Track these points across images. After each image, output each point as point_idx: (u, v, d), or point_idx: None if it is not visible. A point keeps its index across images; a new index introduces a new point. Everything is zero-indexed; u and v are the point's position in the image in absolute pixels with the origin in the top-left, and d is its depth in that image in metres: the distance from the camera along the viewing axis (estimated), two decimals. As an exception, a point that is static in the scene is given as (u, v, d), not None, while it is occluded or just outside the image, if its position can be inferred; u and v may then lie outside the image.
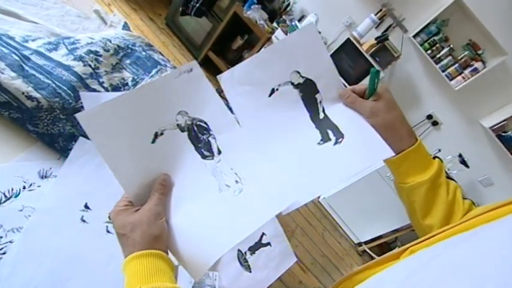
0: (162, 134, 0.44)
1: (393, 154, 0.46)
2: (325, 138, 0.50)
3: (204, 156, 0.47)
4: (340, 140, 0.49)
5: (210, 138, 0.47)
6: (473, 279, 0.25)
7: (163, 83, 0.44)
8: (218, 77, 0.46)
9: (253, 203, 0.44)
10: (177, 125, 0.45)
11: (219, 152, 0.47)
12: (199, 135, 0.46)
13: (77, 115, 0.38)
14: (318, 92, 0.51)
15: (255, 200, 0.44)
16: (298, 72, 0.50)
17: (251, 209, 0.44)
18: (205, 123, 0.47)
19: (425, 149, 0.50)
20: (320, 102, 0.52)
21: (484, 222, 0.36)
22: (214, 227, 0.43)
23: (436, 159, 0.51)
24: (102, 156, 0.40)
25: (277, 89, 0.49)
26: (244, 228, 0.42)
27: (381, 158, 0.48)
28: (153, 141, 0.44)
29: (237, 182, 0.46)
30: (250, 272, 0.78)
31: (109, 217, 0.41)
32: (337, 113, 0.51)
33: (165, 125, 0.44)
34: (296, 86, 0.50)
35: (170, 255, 0.41)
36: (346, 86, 0.52)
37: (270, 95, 0.49)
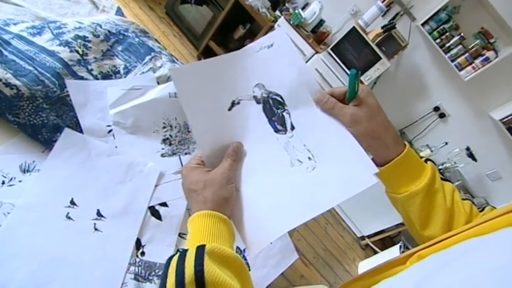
0: (238, 103, 0.46)
1: (374, 182, 0.41)
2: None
3: (276, 130, 0.47)
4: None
5: (284, 113, 0.47)
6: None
7: (245, 55, 0.47)
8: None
9: (327, 182, 0.43)
10: (254, 96, 0.47)
11: (293, 128, 0.47)
12: (273, 109, 0.47)
13: (170, 69, 0.40)
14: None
15: (328, 180, 0.43)
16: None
17: (324, 189, 0.42)
18: (281, 97, 0.47)
19: (416, 154, 0.46)
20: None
21: (506, 225, 0.31)
22: (283, 202, 0.42)
23: (429, 162, 0.46)
24: (186, 112, 0.42)
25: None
26: (314, 207, 0.41)
27: (363, 187, 0.42)
28: (230, 109, 0.45)
29: (309, 158, 0.45)
30: (250, 270, 0.75)
31: (180, 172, 0.44)
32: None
33: (242, 95, 0.46)
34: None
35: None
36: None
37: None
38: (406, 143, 0.46)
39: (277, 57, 0.48)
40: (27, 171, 0.53)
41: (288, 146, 0.46)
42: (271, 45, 0.48)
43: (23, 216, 0.48)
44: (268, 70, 0.47)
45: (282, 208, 0.42)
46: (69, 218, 0.53)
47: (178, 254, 0.34)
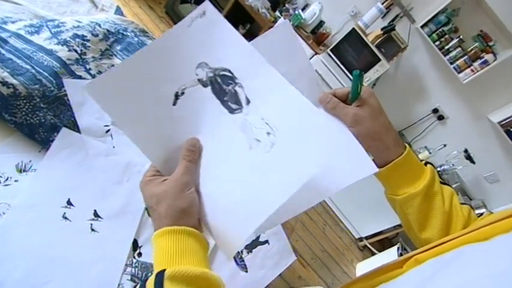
0: (183, 93, 0.39)
1: (376, 170, 0.40)
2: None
3: (231, 110, 0.40)
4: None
5: (236, 88, 0.40)
6: None
7: (175, 35, 0.38)
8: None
9: (289, 158, 0.36)
10: (198, 80, 0.40)
11: (248, 102, 0.39)
12: (223, 87, 0.40)
13: (85, 86, 0.34)
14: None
15: (290, 154, 0.36)
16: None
17: (287, 166, 0.36)
18: (229, 71, 0.40)
19: (415, 156, 0.46)
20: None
21: (503, 231, 0.31)
22: (246, 193, 0.37)
23: (428, 165, 0.47)
24: (120, 127, 0.38)
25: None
26: (281, 190, 0.35)
27: (361, 176, 0.39)
28: (175, 103, 0.39)
29: (268, 134, 0.38)
30: (247, 271, 0.74)
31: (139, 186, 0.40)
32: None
33: (184, 83, 0.39)
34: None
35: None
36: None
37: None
38: (406, 145, 0.46)
39: (215, 25, 0.38)
40: (24, 170, 0.52)
41: (245, 126, 0.39)
42: (204, 13, 0.38)
43: (19, 217, 0.48)
44: (208, 44, 0.39)
45: (246, 201, 0.37)
46: (66, 218, 0.52)
47: (139, 285, 0.33)
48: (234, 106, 0.40)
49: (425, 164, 0.47)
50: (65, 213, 0.52)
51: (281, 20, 2.04)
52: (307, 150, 0.36)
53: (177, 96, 0.39)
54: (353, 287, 0.43)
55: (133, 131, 0.37)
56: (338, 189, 0.39)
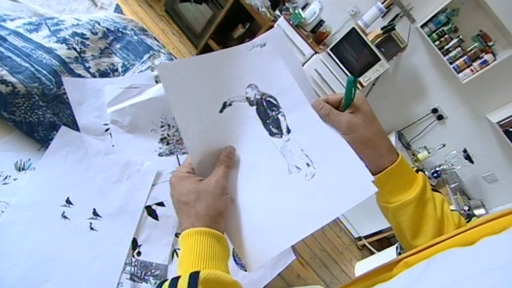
0: (230, 104, 0.43)
1: (376, 190, 0.41)
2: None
3: (272, 133, 0.44)
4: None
5: (279, 116, 0.45)
6: None
7: (236, 54, 0.43)
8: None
9: (328, 191, 0.40)
10: (246, 98, 0.44)
11: (289, 131, 0.44)
12: (268, 111, 0.45)
13: (158, 66, 0.37)
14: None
15: (329, 189, 0.40)
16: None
17: (325, 198, 0.39)
18: (275, 99, 0.45)
19: (408, 163, 0.46)
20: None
21: (487, 233, 0.32)
22: (283, 213, 0.39)
23: (420, 172, 0.47)
24: (174, 113, 0.38)
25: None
26: (316, 218, 0.38)
27: (365, 196, 0.40)
28: (221, 111, 0.42)
29: (308, 165, 0.42)
30: (246, 270, 0.74)
31: (169, 181, 0.40)
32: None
33: (234, 96, 0.43)
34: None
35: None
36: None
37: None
38: (399, 152, 0.46)
39: (271, 57, 0.45)
40: (23, 169, 0.52)
41: (284, 151, 0.43)
42: (264, 44, 0.45)
43: (17, 215, 0.48)
44: (262, 70, 0.45)
45: (282, 220, 0.39)
46: (65, 217, 0.52)
47: (169, 281, 0.31)
48: (274, 130, 0.44)
49: (417, 171, 0.48)
50: (64, 211, 0.52)
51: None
52: (343, 188, 0.40)
53: (224, 105, 0.42)
54: None
55: (185, 122, 0.39)
56: (345, 209, 0.40)
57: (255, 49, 0.44)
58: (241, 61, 0.43)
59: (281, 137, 0.44)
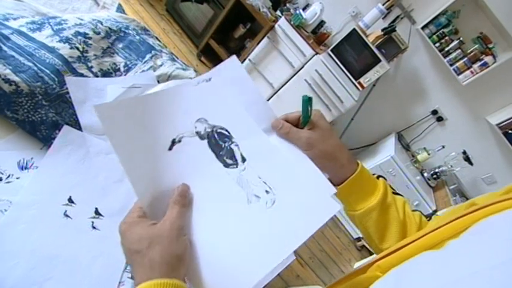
0: (180, 141, 0.42)
1: (338, 207, 0.40)
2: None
3: (226, 165, 0.43)
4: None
5: (232, 146, 0.44)
6: None
7: (180, 91, 0.43)
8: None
9: (291, 216, 0.39)
10: (196, 132, 0.43)
11: (244, 160, 0.43)
12: (220, 143, 0.44)
13: (95, 106, 0.35)
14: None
15: (292, 213, 0.39)
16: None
17: (289, 224, 0.38)
18: (227, 130, 0.44)
19: (368, 171, 0.48)
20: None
21: (451, 235, 0.33)
22: (246, 247, 0.37)
23: (381, 178, 0.49)
24: (118, 155, 0.36)
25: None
26: (283, 246, 0.36)
27: (329, 215, 0.39)
28: (170, 148, 0.41)
29: (267, 192, 0.41)
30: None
31: (118, 230, 0.36)
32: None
33: (183, 132, 0.42)
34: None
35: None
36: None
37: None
38: (358, 161, 0.48)
39: (217, 90, 0.45)
40: (25, 168, 0.52)
41: (241, 181, 0.41)
42: (209, 79, 0.45)
43: (20, 214, 0.48)
44: (209, 103, 0.44)
45: (247, 255, 0.36)
46: (67, 216, 0.52)
47: None
48: (229, 161, 0.43)
49: (377, 177, 0.50)
50: (66, 210, 0.53)
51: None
52: (306, 210, 0.39)
53: (173, 142, 0.41)
54: None
55: (131, 165, 0.37)
56: (312, 233, 0.38)
57: (201, 84, 0.44)
58: (187, 97, 0.43)
59: (236, 166, 0.42)
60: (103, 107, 0.37)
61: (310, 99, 0.44)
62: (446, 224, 0.34)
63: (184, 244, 0.34)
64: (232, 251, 0.37)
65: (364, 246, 2.51)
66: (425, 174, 2.24)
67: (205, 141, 0.43)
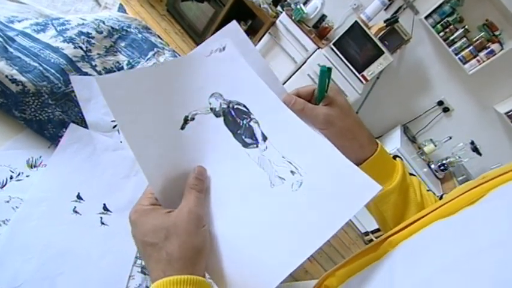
0: (193, 119, 0.37)
1: (381, 188, 0.34)
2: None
3: (245, 144, 0.38)
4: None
5: (251, 123, 0.39)
6: (465, 275, 0.22)
7: (192, 61, 0.38)
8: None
9: (323, 198, 0.33)
10: (211, 109, 0.38)
11: (265, 138, 0.38)
12: (237, 120, 0.39)
13: (96, 78, 0.32)
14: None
15: (324, 195, 0.34)
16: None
17: (321, 207, 0.33)
18: (244, 106, 0.39)
19: (386, 151, 0.45)
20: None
21: (466, 204, 0.31)
22: (272, 236, 0.32)
23: (398, 159, 0.46)
24: (124, 136, 0.32)
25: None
26: (315, 234, 0.31)
27: (368, 198, 0.33)
28: (183, 127, 0.37)
29: (293, 172, 0.35)
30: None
31: (129, 219, 0.32)
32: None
33: (196, 109, 0.38)
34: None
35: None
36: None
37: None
38: (377, 140, 0.45)
39: (233, 61, 0.39)
40: (34, 166, 0.53)
41: (263, 162, 0.37)
42: (223, 48, 0.39)
43: (31, 211, 0.49)
44: (225, 77, 0.39)
45: (274, 245, 0.32)
46: (76, 212, 0.53)
47: None
48: (248, 140, 0.38)
49: (394, 157, 0.47)
50: (75, 207, 0.53)
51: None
52: (340, 190, 0.34)
53: (186, 121, 0.37)
54: (336, 274, 0.42)
55: (140, 146, 0.33)
56: (344, 221, 0.32)
57: (214, 54, 0.39)
58: (199, 69, 0.38)
59: (257, 146, 0.38)
60: (105, 79, 0.33)
61: (329, 70, 0.39)
62: (460, 195, 0.33)
63: (204, 235, 0.31)
64: (256, 241, 0.33)
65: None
66: (432, 166, 2.22)
67: (221, 118, 0.38)
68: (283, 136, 0.38)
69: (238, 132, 0.38)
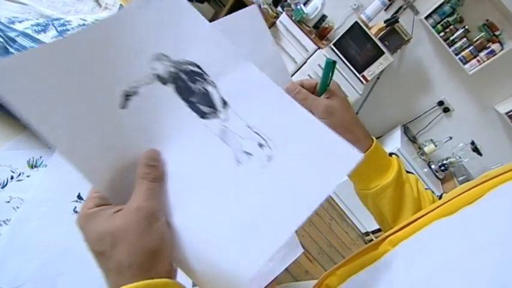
0: (135, 92, 0.29)
1: (362, 155, 0.30)
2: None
3: (202, 114, 0.31)
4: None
5: (207, 87, 0.32)
6: (464, 275, 0.23)
7: (123, 18, 0.28)
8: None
9: (296, 172, 0.29)
10: (156, 75, 0.30)
11: (225, 104, 0.32)
12: (190, 85, 0.31)
13: None
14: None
15: (298, 169, 0.29)
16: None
17: (295, 183, 0.29)
18: (197, 65, 0.31)
19: (382, 147, 0.46)
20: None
21: (465, 203, 0.32)
22: (243, 220, 0.28)
23: (393, 155, 0.48)
24: (42, 131, 0.24)
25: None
26: (290, 215, 0.27)
27: (351, 166, 0.29)
28: (124, 106, 0.28)
29: (261, 145, 0.30)
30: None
31: (76, 225, 0.29)
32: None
33: (137, 79, 0.29)
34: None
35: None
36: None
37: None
38: (373, 137, 0.47)
39: (176, 11, 0.31)
40: (35, 166, 0.53)
41: (225, 135, 0.31)
42: None
43: (32, 211, 0.49)
44: (168, 31, 0.30)
45: (244, 231, 0.28)
46: (77, 212, 0.53)
47: None
48: (205, 109, 0.31)
49: (390, 154, 0.48)
50: (75, 207, 0.54)
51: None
52: (317, 161, 0.29)
53: (127, 97, 0.29)
54: (336, 273, 0.43)
55: (62, 142, 0.26)
56: (326, 194, 0.29)
57: (151, 4, 0.29)
58: (133, 27, 0.29)
59: (216, 115, 0.31)
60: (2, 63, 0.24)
61: (334, 63, 0.39)
62: (460, 194, 0.34)
63: (159, 232, 0.26)
64: (225, 227, 0.28)
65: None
66: (432, 166, 2.22)
67: (170, 86, 0.31)
68: (246, 100, 0.31)
69: (192, 99, 0.31)
